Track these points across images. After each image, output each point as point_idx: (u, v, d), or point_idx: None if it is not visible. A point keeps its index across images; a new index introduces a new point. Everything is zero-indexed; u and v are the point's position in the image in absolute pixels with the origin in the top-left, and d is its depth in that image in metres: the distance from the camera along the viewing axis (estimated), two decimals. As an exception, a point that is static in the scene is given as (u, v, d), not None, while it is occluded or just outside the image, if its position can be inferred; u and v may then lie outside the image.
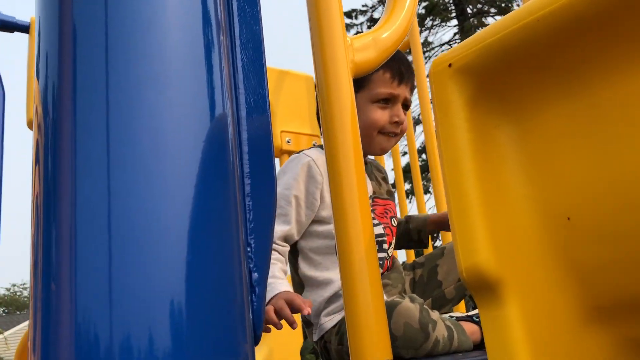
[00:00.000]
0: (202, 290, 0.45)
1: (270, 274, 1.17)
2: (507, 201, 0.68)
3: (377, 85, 1.41)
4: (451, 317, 1.25)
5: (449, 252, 1.37)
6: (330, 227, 1.31)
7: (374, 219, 1.40)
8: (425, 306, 1.15)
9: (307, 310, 1.00)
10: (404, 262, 1.50)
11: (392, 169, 2.72)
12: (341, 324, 1.26)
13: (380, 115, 1.41)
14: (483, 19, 15.68)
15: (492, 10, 16.01)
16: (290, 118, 2.49)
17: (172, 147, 0.47)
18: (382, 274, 1.35)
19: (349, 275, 0.64)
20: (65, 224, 0.46)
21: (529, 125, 0.69)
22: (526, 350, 0.64)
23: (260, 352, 2.09)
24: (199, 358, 0.43)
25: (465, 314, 1.27)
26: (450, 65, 0.69)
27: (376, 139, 1.43)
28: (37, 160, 0.50)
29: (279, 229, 1.27)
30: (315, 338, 1.32)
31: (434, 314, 1.14)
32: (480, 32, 0.68)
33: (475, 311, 1.30)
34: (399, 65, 1.42)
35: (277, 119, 2.43)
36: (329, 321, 1.28)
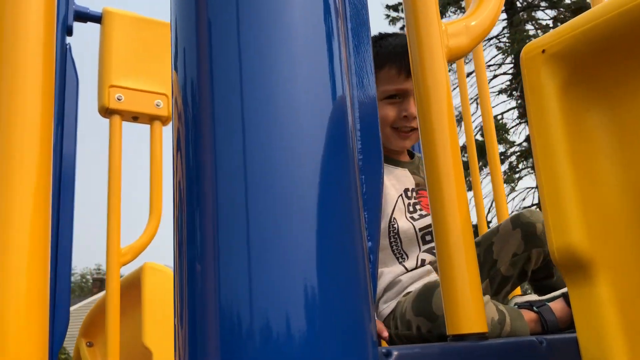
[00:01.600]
0: (331, 259, 0.48)
1: None
2: (599, 183, 0.70)
3: (384, 83, 1.40)
4: (515, 304, 1.26)
5: (504, 228, 1.36)
6: (383, 225, 1.33)
7: (421, 210, 1.42)
8: None
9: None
10: None
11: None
12: (395, 309, 1.29)
13: (389, 112, 1.41)
14: (533, 13, 15.37)
15: (543, 3, 15.67)
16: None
17: (303, 129, 0.50)
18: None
19: (445, 252, 0.66)
20: (208, 208, 0.49)
21: (621, 109, 0.70)
22: (618, 329, 0.65)
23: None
24: (332, 328, 0.46)
25: (527, 301, 1.28)
26: (543, 51, 0.71)
27: (391, 136, 1.43)
28: (178, 148, 0.54)
29: None
30: None
31: (485, 297, 1.15)
32: (574, 19, 0.70)
33: (535, 297, 1.31)
34: (405, 59, 1.36)
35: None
36: (386, 308, 1.31)
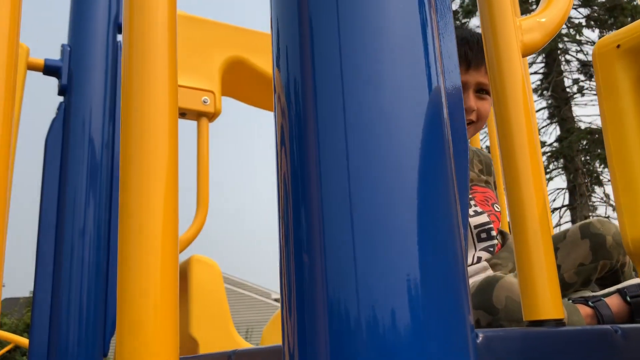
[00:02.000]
0: (434, 245, 0.50)
1: None
2: (674, 177, 0.71)
3: None
4: (568, 299, 1.27)
5: (571, 235, 1.36)
6: None
7: (475, 206, 1.42)
8: None
9: None
10: None
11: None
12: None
13: None
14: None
15: (576, 2, 15.44)
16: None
17: (404, 123, 0.52)
18: (491, 253, 1.38)
19: (523, 240, 0.68)
20: (313, 202, 0.51)
21: (697, 104, 0.71)
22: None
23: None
24: (435, 317, 0.48)
25: (581, 297, 1.28)
26: (618, 46, 0.72)
27: None
28: (282, 143, 0.56)
29: None
30: None
31: None
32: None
33: (589, 293, 1.32)
34: (465, 50, 1.37)
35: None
36: None
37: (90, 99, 1.98)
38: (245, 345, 2.18)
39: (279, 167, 0.56)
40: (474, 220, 1.40)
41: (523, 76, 0.74)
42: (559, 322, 0.66)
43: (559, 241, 1.38)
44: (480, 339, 0.57)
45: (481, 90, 1.43)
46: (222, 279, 2.14)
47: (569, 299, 1.24)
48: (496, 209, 1.46)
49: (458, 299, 0.51)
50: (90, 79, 1.98)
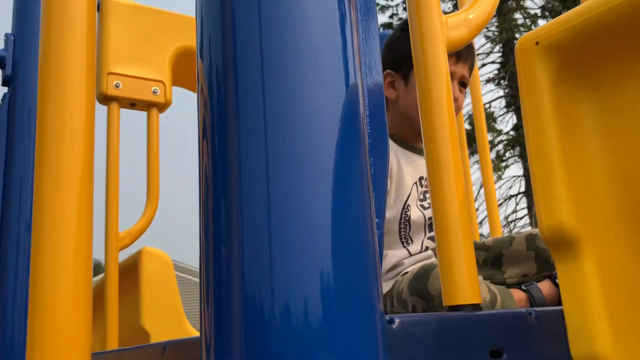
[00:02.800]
0: (345, 234, 0.52)
1: None
2: (587, 167, 0.75)
3: None
4: (505, 285, 1.32)
5: (517, 245, 1.40)
6: (396, 212, 1.38)
7: (430, 198, 1.46)
8: None
9: None
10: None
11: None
12: (392, 288, 1.34)
13: None
14: (521, 2, 15.45)
15: (531, -7, 15.74)
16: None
17: (321, 117, 0.54)
18: None
19: (444, 228, 0.71)
20: (232, 194, 0.52)
21: (610, 98, 0.75)
22: (599, 299, 0.71)
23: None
24: (345, 304, 0.50)
25: (516, 283, 1.33)
26: (537, 43, 0.76)
27: None
28: (204, 135, 0.57)
29: None
30: None
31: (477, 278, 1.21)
32: (566, 13, 0.75)
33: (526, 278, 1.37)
34: None
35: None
36: (385, 286, 1.37)
37: (35, 89, 1.93)
38: (197, 334, 2.18)
39: (200, 159, 0.57)
40: (428, 212, 1.44)
41: (447, 71, 0.76)
42: (475, 307, 0.69)
43: (505, 247, 1.42)
44: (397, 324, 0.60)
45: (462, 84, 1.52)
46: (174, 269, 2.14)
47: (505, 285, 1.29)
48: None
49: (368, 289, 0.53)
50: (36, 69, 1.94)
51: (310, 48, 0.55)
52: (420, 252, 1.41)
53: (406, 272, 1.33)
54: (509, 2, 15.20)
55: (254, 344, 0.49)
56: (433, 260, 1.38)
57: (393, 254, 1.39)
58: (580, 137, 0.76)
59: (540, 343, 0.72)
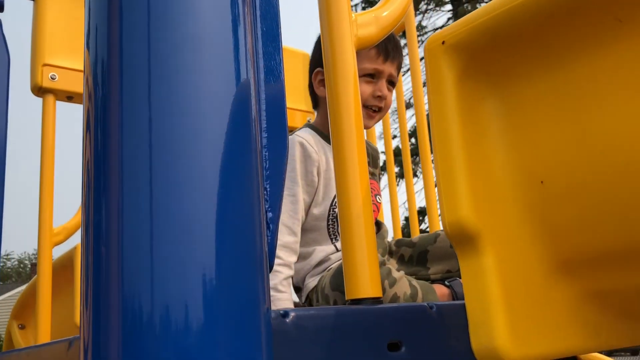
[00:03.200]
0: (228, 227, 0.52)
1: (271, 284, 1.24)
2: (489, 165, 0.77)
3: (363, 61, 1.47)
4: (430, 280, 1.35)
5: (441, 242, 1.43)
6: (323, 209, 1.39)
7: None
8: (389, 266, 1.24)
9: None
10: (397, 240, 1.58)
11: (384, 152, 2.76)
12: (317, 284, 1.35)
13: (364, 89, 1.47)
14: (477, 4, 15.71)
15: (487, -4, 16.03)
16: (293, 93, 2.47)
17: (206, 111, 0.54)
18: None
19: (347, 224, 0.72)
20: (113, 189, 0.51)
21: (512, 97, 0.77)
22: (499, 294, 0.73)
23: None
24: (227, 290, 0.50)
25: (440, 279, 1.36)
26: (443, 42, 0.77)
27: None
28: (87, 128, 0.56)
29: (288, 216, 1.32)
30: (302, 300, 1.41)
31: (397, 274, 1.23)
32: (471, 13, 0.76)
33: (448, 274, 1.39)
34: (385, 43, 1.48)
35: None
36: (312, 281, 1.37)
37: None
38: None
39: (83, 153, 0.56)
40: None
41: (355, 68, 0.77)
42: (375, 300, 0.70)
43: (429, 243, 1.44)
44: (291, 317, 0.60)
45: (390, 82, 1.53)
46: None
47: (429, 281, 1.31)
48: (377, 200, 1.53)
49: (251, 287, 0.53)
50: None
51: (198, 44, 0.55)
52: None
53: (331, 268, 1.34)
54: (465, 5, 15.46)
55: (132, 348, 0.48)
56: None
57: (321, 250, 1.40)
58: (484, 134, 0.78)
59: (442, 337, 0.73)
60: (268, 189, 0.60)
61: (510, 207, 0.77)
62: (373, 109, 1.49)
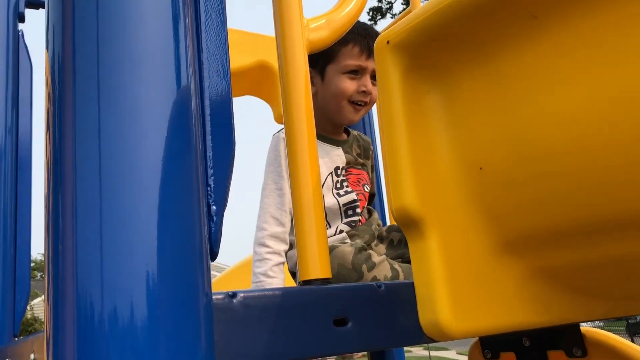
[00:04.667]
0: (169, 219, 0.59)
1: (261, 270, 1.33)
2: (433, 154, 0.83)
3: (346, 58, 1.53)
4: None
5: None
6: None
7: (347, 186, 1.55)
8: (369, 251, 1.31)
9: None
10: (389, 226, 1.63)
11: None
12: None
13: (349, 85, 1.53)
14: None
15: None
16: None
17: (147, 115, 0.60)
18: (353, 227, 1.51)
19: (299, 211, 0.79)
20: (68, 189, 0.58)
21: (452, 91, 0.83)
22: (443, 273, 0.79)
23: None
24: (168, 275, 0.58)
25: None
26: (388, 42, 0.83)
27: (345, 109, 1.55)
28: (47, 128, 0.63)
29: (275, 208, 1.40)
30: (298, 284, 1.50)
31: (378, 258, 1.29)
32: (411, 14, 0.82)
33: None
34: (367, 40, 1.54)
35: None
36: None
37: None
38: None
39: (45, 152, 0.63)
40: (343, 199, 1.52)
41: (306, 71, 0.84)
42: (324, 281, 0.77)
43: (400, 230, 1.50)
44: (238, 298, 0.68)
45: (374, 77, 1.59)
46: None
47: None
48: (365, 190, 1.59)
49: (192, 275, 0.60)
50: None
51: (142, 48, 0.62)
52: (334, 235, 1.48)
53: None
54: None
55: (86, 341, 0.55)
56: (348, 241, 1.46)
57: None
58: (428, 126, 0.84)
59: (389, 313, 0.80)
60: (212, 186, 0.67)
61: (453, 193, 0.82)
62: (359, 104, 1.54)
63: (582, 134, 0.71)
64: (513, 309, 0.84)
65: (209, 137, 0.69)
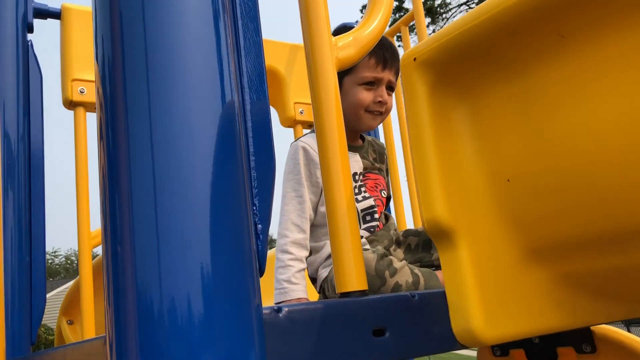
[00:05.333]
0: (222, 239, 0.63)
1: (285, 277, 1.36)
2: (461, 167, 0.86)
3: (363, 70, 1.58)
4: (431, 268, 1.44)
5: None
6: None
7: (365, 192, 1.59)
8: (390, 257, 1.34)
9: None
10: (405, 230, 1.66)
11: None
12: (329, 273, 1.45)
13: (366, 96, 1.58)
14: None
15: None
16: (302, 90, 2.57)
17: (196, 132, 0.63)
18: (372, 232, 1.54)
19: (334, 225, 0.82)
20: (124, 196, 0.61)
21: (479, 105, 0.86)
22: (474, 282, 0.82)
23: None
24: (222, 298, 0.60)
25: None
26: (414, 59, 0.86)
27: (363, 117, 1.61)
28: (101, 137, 0.66)
29: (296, 215, 1.43)
30: (317, 289, 1.52)
31: (399, 263, 1.33)
32: (438, 32, 0.85)
33: None
34: (383, 52, 1.59)
35: (290, 91, 2.57)
36: (324, 272, 1.48)
37: (3, 95, 2.03)
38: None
39: (99, 160, 0.66)
40: (361, 205, 1.55)
41: (336, 88, 0.87)
42: (362, 293, 0.80)
43: (417, 234, 1.54)
44: (283, 312, 0.71)
45: (390, 88, 1.65)
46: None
47: (433, 268, 1.40)
48: (382, 195, 1.63)
49: (244, 288, 0.63)
50: (3, 76, 2.03)
51: (184, 67, 0.64)
52: None
53: None
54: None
55: (148, 343, 0.59)
56: (367, 247, 1.49)
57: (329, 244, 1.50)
58: (455, 139, 0.87)
59: (423, 321, 0.83)
60: (257, 205, 0.70)
61: (481, 204, 0.86)
62: (375, 113, 1.59)
63: (606, 146, 0.74)
64: (540, 314, 0.87)
65: (252, 158, 0.71)
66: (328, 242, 1.51)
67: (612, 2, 0.69)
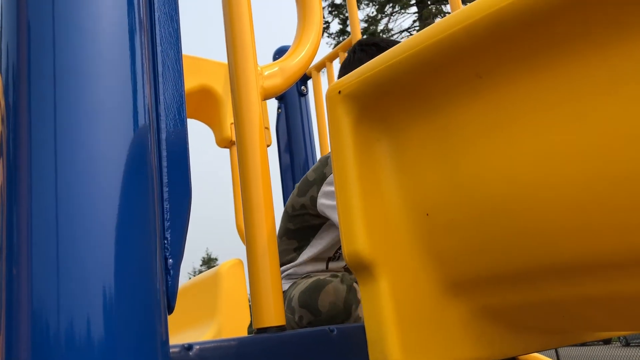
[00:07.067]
0: (127, 273, 0.60)
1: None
2: (383, 199, 0.86)
3: None
4: None
5: None
6: (330, 240, 1.50)
7: None
8: (356, 287, 1.32)
9: None
10: None
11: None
12: (287, 290, 1.40)
13: None
14: (442, 6, 15.96)
15: (451, -3, 16.24)
16: None
17: (105, 162, 0.61)
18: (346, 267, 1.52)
19: (253, 258, 0.80)
20: (23, 215, 0.57)
21: (401, 139, 0.87)
22: (393, 315, 0.82)
23: (210, 329, 2.24)
24: (126, 333, 0.58)
25: None
26: (339, 92, 0.86)
27: None
28: (1, 152, 0.61)
29: None
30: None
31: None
32: (361, 67, 0.86)
33: None
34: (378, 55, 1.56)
35: (227, 111, 2.55)
36: (284, 284, 1.43)
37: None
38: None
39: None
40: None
41: (261, 117, 0.86)
42: (279, 328, 0.79)
43: None
44: (195, 350, 0.69)
45: None
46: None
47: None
48: None
49: (150, 324, 0.61)
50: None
51: (99, 98, 0.62)
52: (326, 269, 1.48)
53: (308, 274, 1.41)
54: (430, 7, 15.68)
55: None
56: (337, 276, 1.43)
57: (312, 266, 1.45)
58: (378, 172, 0.87)
59: (342, 357, 0.82)
60: (169, 238, 0.68)
61: (402, 238, 0.86)
62: None
63: (518, 184, 0.76)
64: (460, 346, 0.88)
65: (165, 189, 0.69)
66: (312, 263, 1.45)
67: (527, 43, 0.72)
